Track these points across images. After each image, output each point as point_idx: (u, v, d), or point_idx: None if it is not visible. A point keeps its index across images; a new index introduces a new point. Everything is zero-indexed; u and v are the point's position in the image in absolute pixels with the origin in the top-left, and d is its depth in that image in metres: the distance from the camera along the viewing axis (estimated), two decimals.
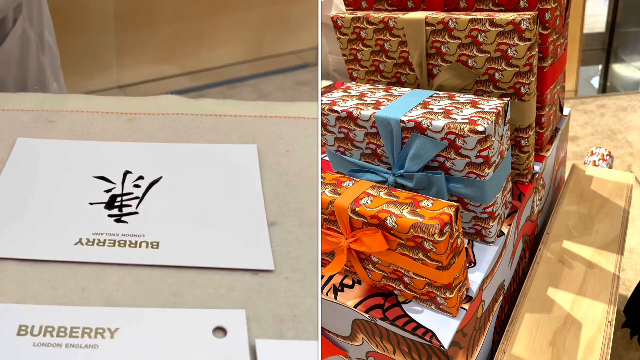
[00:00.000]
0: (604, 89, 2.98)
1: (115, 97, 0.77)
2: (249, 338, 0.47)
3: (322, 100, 0.71)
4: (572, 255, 0.85)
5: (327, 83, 1.27)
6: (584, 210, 0.95)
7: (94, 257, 0.53)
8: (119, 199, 0.59)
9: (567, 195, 0.99)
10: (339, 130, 0.71)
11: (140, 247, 0.54)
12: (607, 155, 1.35)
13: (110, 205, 0.59)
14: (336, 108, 0.69)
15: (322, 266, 0.65)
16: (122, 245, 0.54)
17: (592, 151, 1.37)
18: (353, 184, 0.61)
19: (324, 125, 0.72)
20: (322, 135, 0.74)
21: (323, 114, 0.71)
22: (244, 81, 2.00)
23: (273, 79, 2.01)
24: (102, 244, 0.54)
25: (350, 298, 0.64)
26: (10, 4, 0.83)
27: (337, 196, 0.59)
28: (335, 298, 0.65)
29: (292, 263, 0.54)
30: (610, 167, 1.34)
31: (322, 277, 0.68)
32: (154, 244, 0.55)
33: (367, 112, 0.66)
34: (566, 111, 1.00)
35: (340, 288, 0.66)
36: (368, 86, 0.75)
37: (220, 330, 0.48)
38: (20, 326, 0.46)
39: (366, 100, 0.69)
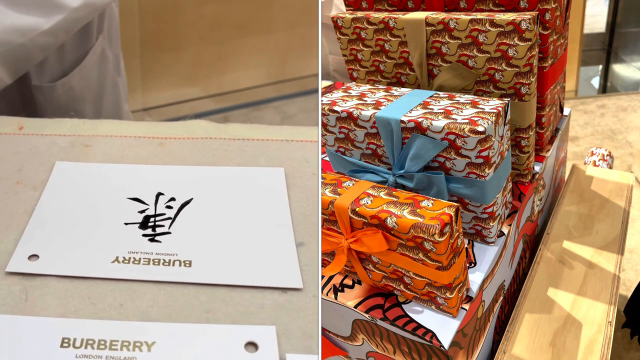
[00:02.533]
0: (604, 89, 2.98)
1: (146, 122, 0.80)
2: (279, 353, 0.49)
3: (322, 100, 0.71)
4: (572, 255, 0.85)
5: (327, 83, 1.27)
6: (584, 210, 0.95)
7: (129, 275, 0.55)
8: (152, 219, 0.62)
9: (567, 195, 0.99)
10: (339, 130, 0.71)
11: (173, 265, 0.56)
12: (607, 155, 1.35)
13: (144, 225, 0.61)
14: (336, 108, 0.69)
15: (322, 266, 0.65)
16: (156, 263, 0.56)
17: (592, 151, 1.37)
18: (353, 184, 0.61)
19: (324, 125, 0.72)
20: (322, 135, 0.74)
21: (323, 114, 0.71)
22: (267, 103, 2.04)
23: (296, 101, 2.04)
24: (137, 262, 0.56)
25: (350, 298, 0.64)
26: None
27: (337, 196, 0.59)
28: (335, 298, 0.65)
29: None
30: (610, 167, 1.34)
31: (322, 277, 0.68)
32: (186, 262, 0.57)
33: (367, 112, 0.66)
34: (566, 111, 1.00)
35: (340, 288, 0.66)
36: (368, 86, 0.75)
37: (252, 345, 0.49)
38: (63, 338, 0.48)
39: (366, 100, 0.69)
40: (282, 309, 0.53)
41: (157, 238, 0.59)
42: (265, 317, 0.52)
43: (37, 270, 0.55)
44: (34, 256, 0.56)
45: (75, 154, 0.71)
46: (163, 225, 0.61)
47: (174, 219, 0.62)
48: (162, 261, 0.56)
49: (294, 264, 0.57)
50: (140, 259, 0.56)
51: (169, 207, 0.63)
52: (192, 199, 0.65)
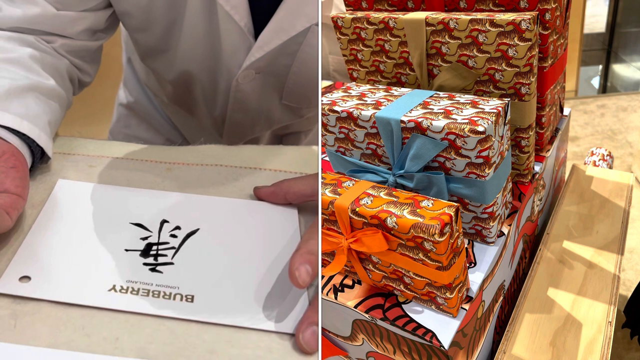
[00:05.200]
0: (604, 89, 2.98)
1: (154, 146, 0.76)
2: None
3: (322, 100, 0.71)
4: (572, 255, 0.85)
5: (327, 83, 1.27)
6: (584, 210, 0.95)
7: (127, 306, 0.51)
8: (154, 247, 0.58)
9: (567, 195, 0.99)
10: (339, 130, 0.71)
11: (174, 299, 0.53)
12: (607, 155, 1.35)
13: (145, 253, 0.57)
14: (336, 108, 0.69)
15: (322, 266, 0.65)
16: (156, 295, 0.53)
17: (592, 151, 1.37)
18: (353, 184, 0.61)
19: (324, 125, 0.72)
20: (322, 135, 0.74)
21: (323, 114, 0.71)
22: None
23: None
24: (135, 292, 0.53)
25: (350, 298, 0.64)
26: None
27: (337, 196, 0.59)
28: (335, 298, 0.65)
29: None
30: (610, 167, 1.34)
31: (322, 277, 0.68)
32: (189, 297, 0.53)
33: (367, 112, 0.66)
34: (566, 111, 1.00)
35: (340, 288, 0.66)
36: (368, 86, 0.75)
37: None
38: None
39: (366, 100, 0.69)
40: (291, 355, 0.50)
41: (158, 268, 0.56)
42: None
43: (28, 293, 0.51)
44: (25, 277, 0.52)
45: (78, 173, 0.68)
46: (166, 255, 0.57)
47: (177, 249, 0.58)
48: (162, 293, 0.53)
49: (304, 309, 0.53)
50: (139, 289, 0.53)
51: (174, 236, 0.60)
52: (198, 229, 0.61)
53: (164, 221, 0.61)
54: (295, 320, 0.52)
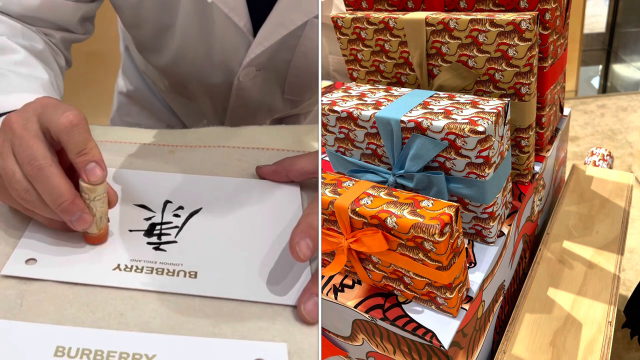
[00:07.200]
0: (604, 89, 2.98)
1: (157, 130, 0.77)
2: None
3: (322, 100, 0.71)
4: (572, 255, 0.85)
5: (327, 83, 1.27)
6: (584, 210, 0.95)
7: (131, 283, 0.52)
8: (158, 227, 0.59)
9: (567, 195, 0.99)
10: (339, 130, 0.71)
11: (177, 275, 0.54)
12: (607, 155, 1.35)
13: (149, 232, 0.59)
14: (336, 108, 0.69)
15: (322, 266, 0.65)
16: (160, 272, 0.54)
17: (592, 151, 1.37)
18: (353, 184, 0.61)
19: (324, 125, 0.72)
20: (322, 135, 0.74)
21: (323, 114, 0.71)
22: None
23: None
24: (139, 271, 0.54)
25: (350, 298, 0.64)
26: None
27: (337, 196, 0.59)
28: (335, 298, 0.65)
29: None
30: (610, 167, 1.34)
31: (322, 277, 0.68)
32: (192, 273, 0.54)
33: (367, 112, 0.66)
34: (566, 111, 1.00)
35: (340, 288, 0.66)
36: (368, 86, 0.75)
37: None
38: (57, 347, 0.46)
39: (366, 100, 0.69)
40: (294, 326, 0.50)
41: (162, 247, 0.57)
42: (275, 334, 0.49)
43: (34, 274, 0.52)
44: (31, 260, 0.53)
45: None
46: (169, 234, 0.59)
47: (180, 228, 0.59)
48: (166, 271, 0.54)
49: (306, 281, 0.54)
50: (143, 267, 0.54)
51: (177, 215, 0.61)
52: (201, 208, 0.62)
53: (167, 202, 0.63)
54: (298, 292, 0.53)
